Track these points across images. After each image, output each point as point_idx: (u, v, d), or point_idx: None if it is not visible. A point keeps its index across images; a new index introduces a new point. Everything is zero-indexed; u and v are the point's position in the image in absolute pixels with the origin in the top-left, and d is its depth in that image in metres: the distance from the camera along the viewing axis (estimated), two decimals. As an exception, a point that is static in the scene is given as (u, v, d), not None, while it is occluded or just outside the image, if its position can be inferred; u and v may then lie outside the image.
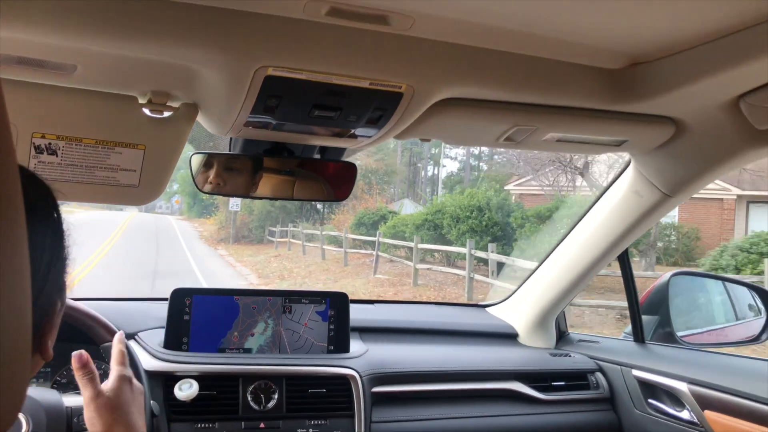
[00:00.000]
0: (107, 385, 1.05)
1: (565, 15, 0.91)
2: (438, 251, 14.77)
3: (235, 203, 22.90)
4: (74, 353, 1.04)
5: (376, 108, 1.08)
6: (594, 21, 0.93)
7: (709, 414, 1.52)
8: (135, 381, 1.10)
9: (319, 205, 24.28)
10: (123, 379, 1.07)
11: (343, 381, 1.61)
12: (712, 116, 1.20)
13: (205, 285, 10.58)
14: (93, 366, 1.04)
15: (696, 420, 1.56)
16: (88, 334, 1.38)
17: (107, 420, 1.00)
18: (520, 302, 2.16)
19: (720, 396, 1.51)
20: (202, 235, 28.32)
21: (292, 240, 21.56)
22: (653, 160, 1.44)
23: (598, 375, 1.91)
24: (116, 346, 1.14)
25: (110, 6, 0.83)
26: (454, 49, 1.00)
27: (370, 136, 1.23)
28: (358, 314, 1.83)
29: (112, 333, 1.37)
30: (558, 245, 1.98)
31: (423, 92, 1.04)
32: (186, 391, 1.46)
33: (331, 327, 1.73)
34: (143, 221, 36.05)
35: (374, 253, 15.26)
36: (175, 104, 1.14)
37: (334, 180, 1.39)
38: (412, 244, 13.59)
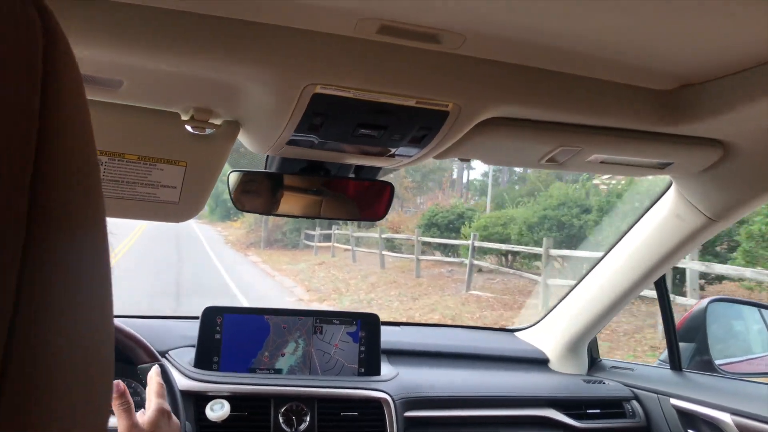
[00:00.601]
0: (145, 417, 1.06)
1: (616, 35, 0.89)
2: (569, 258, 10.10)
3: None
4: (114, 383, 1.04)
5: (421, 127, 1.06)
6: (645, 42, 0.91)
7: None
8: (173, 416, 1.11)
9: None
10: (162, 413, 1.08)
11: (376, 404, 1.58)
12: (762, 139, 1.18)
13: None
14: (129, 397, 1.05)
15: None
16: (126, 354, 1.37)
17: None
18: (550, 327, 2.12)
19: (766, 428, 1.45)
20: (227, 240, 26.48)
21: (336, 245, 19.12)
22: (698, 183, 1.41)
23: (634, 403, 1.86)
24: (155, 378, 1.15)
25: (160, 21, 0.83)
26: (502, 67, 0.98)
27: (410, 156, 1.21)
28: (385, 336, 1.80)
29: (151, 355, 1.36)
30: (592, 269, 1.94)
31: (469, 111, 1.02)
32: (218, 411, 1.44)
33: (362, 348, 1.71)
34: (160, 226, 30.75)
35: (454, 261, 13.12)
36: (218, 121, 1.13)
37: (372, 198, 1.38)
38: (520, 248, 10.81)
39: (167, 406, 1.09)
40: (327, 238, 20.63)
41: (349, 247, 17.86)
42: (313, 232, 21.90)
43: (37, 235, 0.27)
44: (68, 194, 0.30)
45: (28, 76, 0.28)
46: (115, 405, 1.04)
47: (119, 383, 1.07)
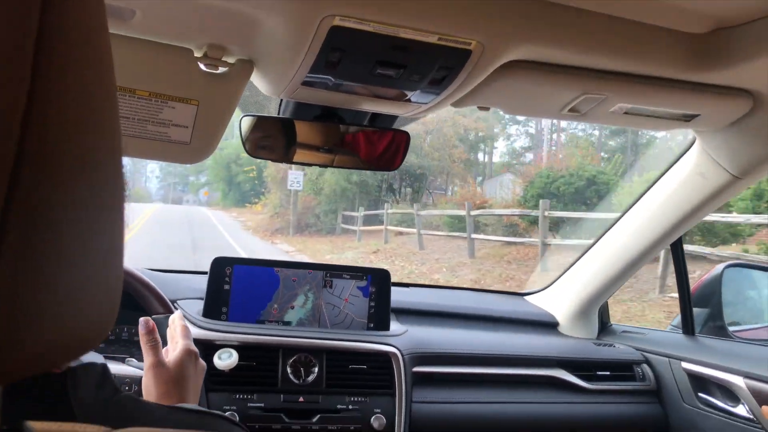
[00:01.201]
0: (171, 356, 1.05)
1: None
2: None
3: (296, 180, 17.54)
4: (141, 319, 1.06)
5: (442, 67, 1.02)
6: None
7: (767, 410, 1.45)
8: (200, 360, 1.09)
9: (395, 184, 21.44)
10: (189, 354, 1.06)
11: (385, 358, 1.57)
12: None
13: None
14: (157, 335, 1.05)
15: (752, 416, 1.49)
16: (140, 303, 1.35)
17: (162, 390, 0.99)
18: (561, 291, 2.10)
19: None
20: (247, 226, 22.73)
21: (389, 227, 15.46)
22: (723, 138, 1.37)
23: (645, 366, 1.84)
24: (179, 321, 1.14)
25: None
26: (528, 4, 0.94)
27: (426, 102, 1.18)
28: (395, 296, 1.78)
29: (165, 306, 1.35)
30: (606, 232, 1.91)
31: (492, 51, 0.98)
32: (225, 360, 1.43)
33: (372, 304, 1.69)
34: (170, 211, 30.96)
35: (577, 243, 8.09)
36: (231, 60, 1.10)
37: (387, 149, 1.35)
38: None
39: (194, 347, 1.07)
40: (369, 220, 17.68)
41: (404, 229, 14.90)
42: (353, 214, 18.52)
43: (26, 177, 0.25)
44: (74, 126, 0.28)
45: None
46: (143, 341, 1.04)
47: (149, 320, 1.06)
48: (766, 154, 1.33)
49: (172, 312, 1.35)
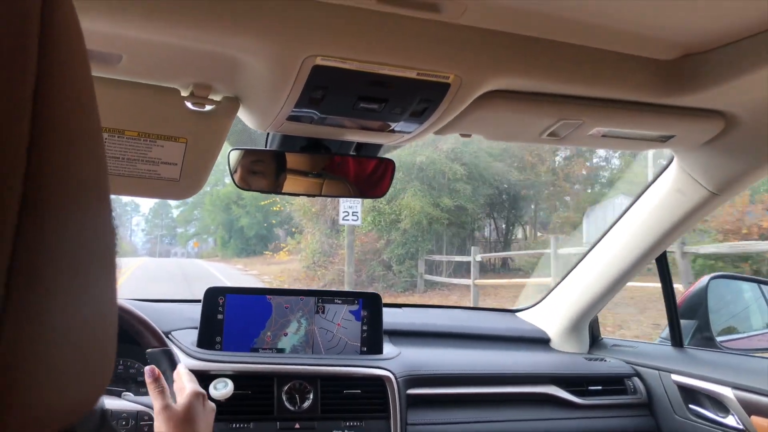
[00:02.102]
0: (180, 400, 1.12)
1: (618, 3, 0.88)
2: None
3: (351, 212, 11.77)
4: (147, 368, 1.16)
5: (422, 99, 1.06)
6: (648, 9, 0.90)
7: (756, 420, 1.48)
8: (208, 401, 1.16)
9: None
10: (197, 396, 1.13)
11: (379, 382, 1.59)
12: (763, 110, 1.17)
13: None
14: (164, 381, 1.14)
15: (742, 426, 1.52)
16: (135, 338, 1.37)
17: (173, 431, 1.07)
18: (551, 306, 2.13)
19: None
20: (266, 283, 16.72)
21: (500, 280, 11.64)
22: (699, 156, 1.41)
23: (635, 380, 1.87)
24: (183, 370, 1.23)
25: None
26: (504, 37, 0.98)
27: (410, 131, 1.21)
28: (386, 317, 1.80)
29: (160, 339, 1.36)
30: (592, 248, 1.94)
31: (470, 83, 1.02)
32: (221, 390, 1.44)
33: (364, 328, 1.71)
34: (159, 266, 24.36)
35: None
36: (217, 97, 1.13)
37: (373, 176, 1.38)
38: None
39: (201, 390, 1.15)
40: (460, 269, 13.35)
41: (518, 280, 10.78)
42: (438, 258, 14.10)
43: (31, 215, 0.26)
44: (68, 170, 0.29)
45: (23, 31, 0.26)
46: (151, 389, 1.12)
47: (154, 369, 1.16)
48: (740, 171, 1.36)
49: (166, 346, 1.36)
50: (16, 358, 0.26)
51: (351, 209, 12.11)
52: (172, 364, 1.33)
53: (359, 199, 10.87)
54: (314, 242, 15.96)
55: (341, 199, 11.38)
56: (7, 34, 0.25)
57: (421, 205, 13.96)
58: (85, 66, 0.33)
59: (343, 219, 12.26)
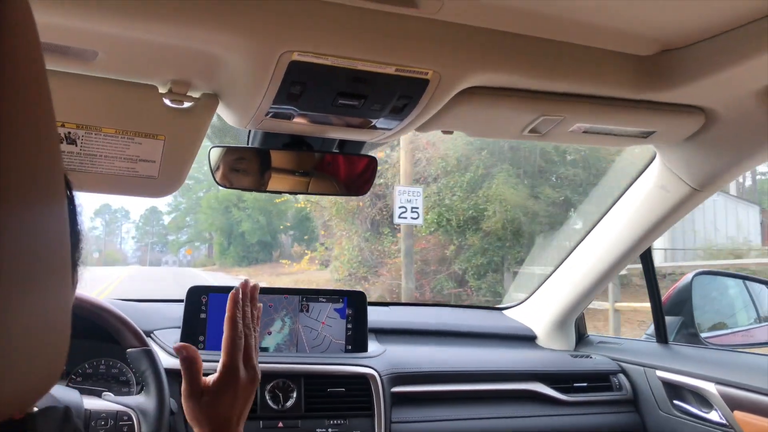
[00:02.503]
0: (212, 380, 1.00)
1: None
2: None
3: (408, 207, 8.94)
4: (178, 345, 1.02)
5: (401, 96, 1.05)
6: (626, 5, 0.90)
7: (738, 415, 1.48)
8: (252, 369, 1.04)
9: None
10: (229, 371, 1.01)
11: (363, 380, 1.58)
12: (744, 105, 1.17)
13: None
14: (198, 364, 1.01)
15: (725, 421, 1.52)
16: (115, 337, 1.36)
17: (197, 425, 0.98)
18: (538, 304, 2.13)
19: (750, 396, 1.47)
20: None
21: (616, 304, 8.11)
22: (681, 152, 1.41)
23: (621, 376, 1.87)
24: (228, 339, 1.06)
25: None
26: (482, 33, 0.98)
27: (391, 128, 1.20)
28: (373, 316, 1.80)
29: (140, 339, 1.35)
30: (577, 245, 1.95)
31: (449, 79, 1.02)
32: None
33: (349, 326, 1.71)
34: (149, 277, 22.74)
35: None
36: (196, 94, 1.12)
37: (356, 174, 1.37)
38: None
39: (237, 362, 1.00)
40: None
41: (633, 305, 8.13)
42: (537, 270, 9.03)
43: None
44: (18, 167, 0.29)
45: None
46: (182, 367, 1.00)
47: (184, 347, 1.02)
48: (721, 166, 1.37)
49: (146, 346, 1.35)
50: None
51: (410, 203, 9.01)
52: (153, 364, 1.32)
53: (419, 193, 9.40)
54: (351, 248, 12.26)
55: (397, 192, 9.34)
56: None
57: (516, 196, 10.01)
58: (37, 61, 0.33)
59: (399, 217, 9.13)
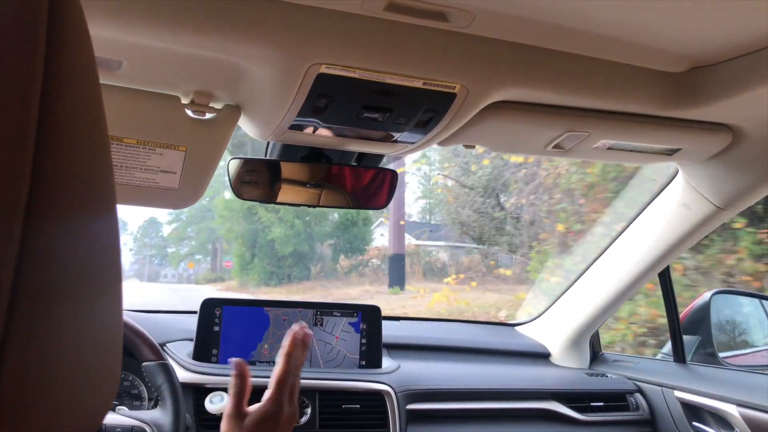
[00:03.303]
0: (255, 408, 0.96)
1: (628, 15, 0.87)
2: None
3: None
4: (232, 360, 0.98)
5: (427, 110, 1.04)
6: (658, 21, 0.89)
7: None
8: (294, 403, 0.99)
9: None
10: (274, 403, 0.96)
11: (378, 397, 1.56)
12: None
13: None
14: (249, 381, 0.97)
15: None
16: (131, 350, 1.34)
17: None
18: (551, 321, 2.10)
19: None
20: None
21: None
22: (705, 170, 1.39)
23: (638, 396, 1.84)
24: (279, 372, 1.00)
25: None
26: (511, 48, 0.96)
27: (414, 142, 1.19)
28: (385, 330, 1.78)
29: (157, 353, 1.33)
30: (594, 261, 1.92)
31: (477, 93, 1.00)
32: (217, 404, 1.41)
33: (363, 341, 1.69)
34: (145, 302, 14.09)
35: None
36: (218, 105, 1.11)
37: (372, 187, 1.36)
38: None
39: (282, 397, 0.95)
40: None
41: None
42: None
43: (37, 224, 0.25)
44: (74, 178, 0.28)
45: (30, 35, 0.25)
46: (231, 384, 0.96)
47: (239, 363, 0.98)
48: (748, 185, 1.35)
49: (163, 359, 1.33)
50: (21, 381, 0.25)
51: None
52: (169, 378, 1.30)
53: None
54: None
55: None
56: (14, 38, 0.24)
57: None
58: (92, 71, 0.32)
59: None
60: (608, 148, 1.26)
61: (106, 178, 0.32)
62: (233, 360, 0.97)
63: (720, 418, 1.59)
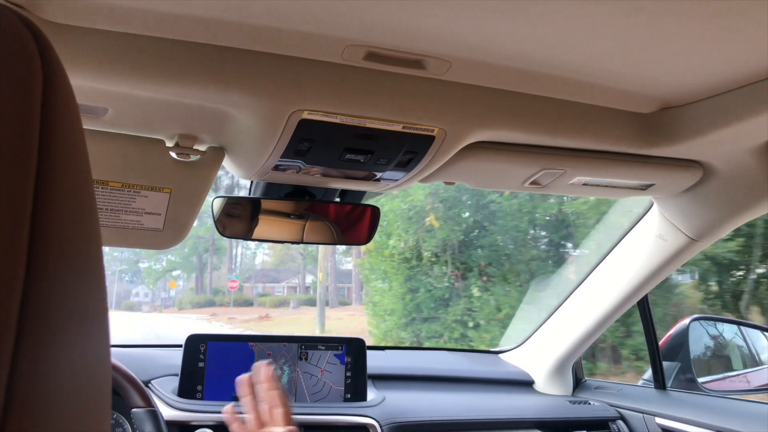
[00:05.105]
0: None
1: (598, 60, 0.91)
2: None
3: None
4: (227, 408, 1.07)
5: (407, 151, 1.07)
6: (627, 66, 0.93)
7: None
8: None
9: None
10: None
11: (363, 430, 1.56)
12: (741, 160, 1.20)
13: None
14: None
15: None
16: (119, 393, 1.33)
17: None
18: (534, 348, 2.12)
19: None
20: None
21: None
22: (679, 203, 1.43)
23: (620, 423, 1.86)
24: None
25: (147, 49, 0.83)
26: (487, 92, 1.00)
27: (396, 180, 1.22)
28: (370, 361, 1.79)
29: (146, 400, 1.32)
30: (574, 290, 1.95)
31: (455, 135, 1.03)
32: None
33: (348, 374, 1.69)
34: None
35: None
36: (202, 148, 1.13)
37: (357, 222, 1.38)
38: None
39: None
40: None
41: None
42: None
43: (38, 267, 0.27)
44: (67, 224, 0.30)
45: (27, 101, 0.28)
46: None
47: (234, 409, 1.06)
48: (719, 218, 1.39)
49: (152, 406, 1.32)
50: (26, 412, 0.27)
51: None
52: (157, 426, 1.29)
53: None
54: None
55: None
56: (14, 100, 0.27)
57: None
58: (79, 129, 0.35)
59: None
60: (584, 184, 1.29)
61: (94, 226, 0.34)
62: (225, 412, 1.05)
63: (700, 445, 1.61)
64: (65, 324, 0.30)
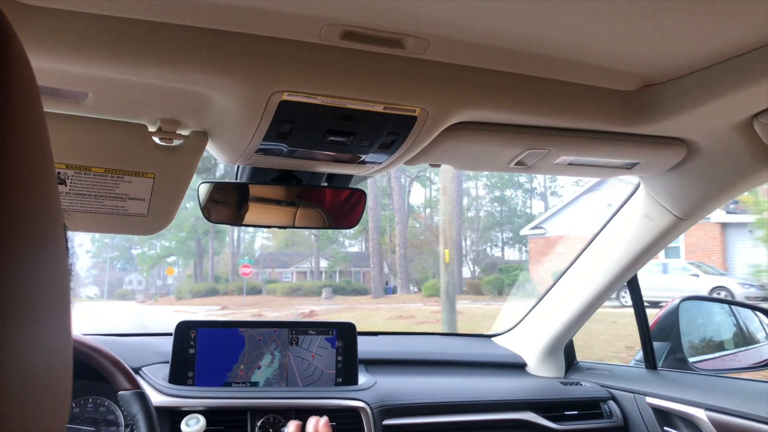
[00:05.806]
0: None
1: (579, 37, 0.91)
2: None
3: None
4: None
5: (390, 132, 1.07)
6: (608, 43, 0.93)
7: None
8: None
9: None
10: None
11: (354, 413, 1.57)
12: (724, 137, 1.20)
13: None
14: None
15: None
16: (107, 378, 1.33)
17: None
18: (526, 331, 2.13)
19: (739, 422, 1.47)
20: None
21: None
22: (664, 182, 1.43)
23: (611, 403, 1.87)
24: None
25: (125, 31, 0.82)
26: (468, 72, 0.99)
27: (380, 162, 1.22)
28: (362, 346, 1.80)
29: (132, 382, 1.32)
30: (565, 272, 1.96)
31: (437, 116, 1.03)
32: (193, 426, 1.41)
33: (339, 358, 1.70)
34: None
35: None
36: (185, 132, 1.13)
37: (344, 207, 1.38)
38: None
39: None
40: None
41: None
42: None
43: None
44: (24, 211, 0.30)
45: None
46: None
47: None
48: (704, 196, 1.39)
49: (138, 388, 1.33)
50: None
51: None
52: (145, 407, 1.30)
53: None
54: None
55: None
56: None
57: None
58: (38, 106, 0.34)
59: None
60: (569, 164, 1.29)
61: (53, 210, 0.33)
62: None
63: (689, 422, 1.62)
64: (19, 313, 0.30)
